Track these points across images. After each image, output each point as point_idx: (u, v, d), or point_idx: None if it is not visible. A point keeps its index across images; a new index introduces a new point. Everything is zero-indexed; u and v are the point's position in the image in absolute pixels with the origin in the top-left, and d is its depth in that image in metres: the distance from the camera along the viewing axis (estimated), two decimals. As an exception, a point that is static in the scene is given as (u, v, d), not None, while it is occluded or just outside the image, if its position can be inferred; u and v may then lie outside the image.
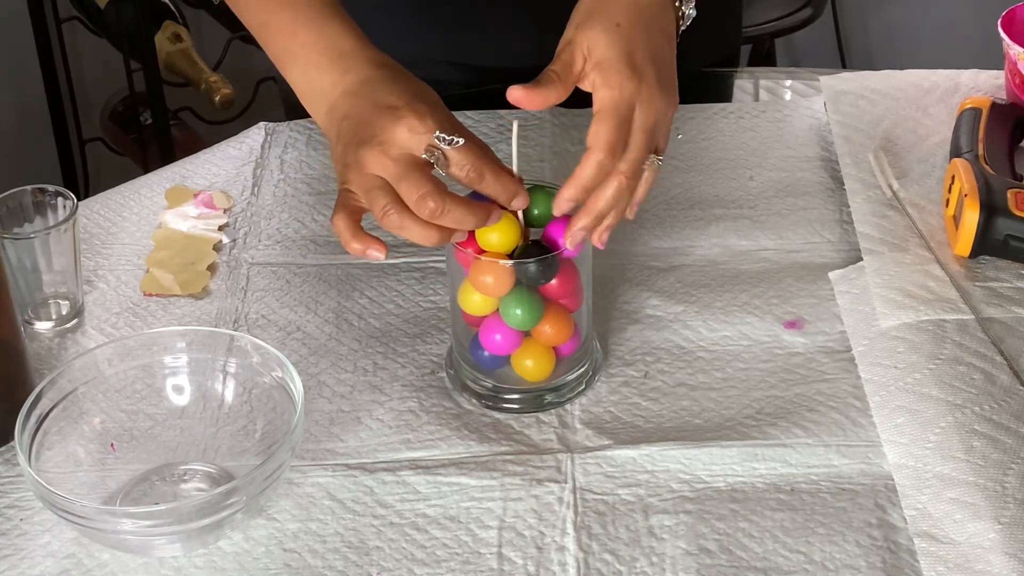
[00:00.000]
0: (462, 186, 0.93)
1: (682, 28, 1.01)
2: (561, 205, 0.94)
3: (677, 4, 1.00)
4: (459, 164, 0.92)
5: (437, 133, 0.92)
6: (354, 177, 0.93)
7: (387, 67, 0.98)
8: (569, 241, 0.94)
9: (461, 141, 0.92)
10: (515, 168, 0.94)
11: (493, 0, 1.29)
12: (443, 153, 0.92)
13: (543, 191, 0.96)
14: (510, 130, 0.95)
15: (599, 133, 0.93)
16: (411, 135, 0.92)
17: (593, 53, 0.94)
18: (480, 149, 0.93)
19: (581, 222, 0.94)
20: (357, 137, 0.94)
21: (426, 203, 0.90)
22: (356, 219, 0.94)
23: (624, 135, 0.93)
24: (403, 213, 0.91)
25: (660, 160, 0.97)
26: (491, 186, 0.93)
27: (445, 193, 0.91)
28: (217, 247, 1.15)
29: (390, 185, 0.92)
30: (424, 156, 0.92)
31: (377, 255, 0.93)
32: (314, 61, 0.99)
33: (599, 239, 0.96)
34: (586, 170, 0.93)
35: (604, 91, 0.94)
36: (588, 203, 0.94)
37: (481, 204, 0.93)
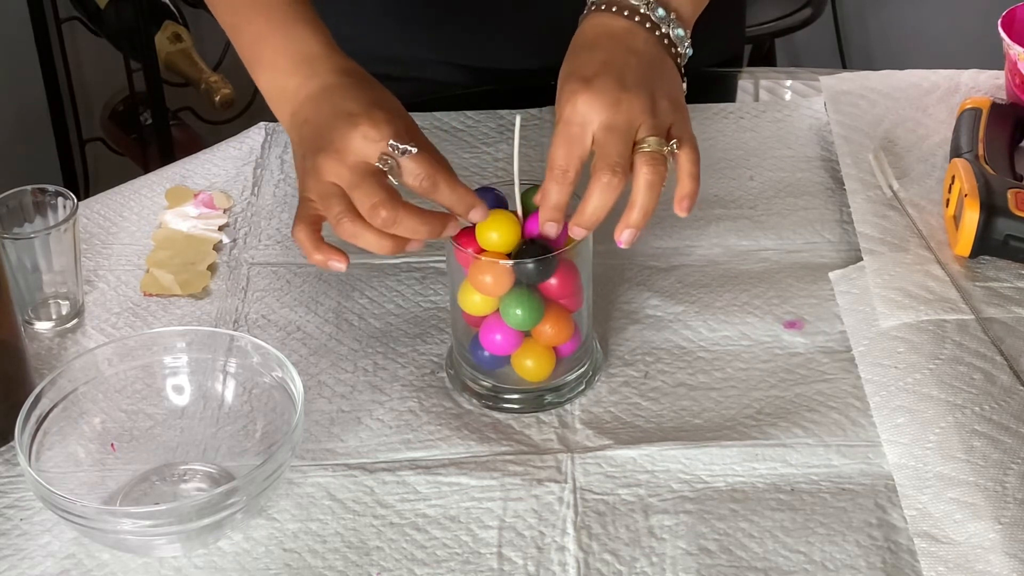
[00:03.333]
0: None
1: (683, 52, 1.00)
2: (576, 232, 0.94)
3: (666, 38, 0.99)
4: (412, 173, 0.92)
5: (391, 141, 0.91)
6: (312, 184, 0.93)
7: (351, 74, 0.97)
8: (626, 240, 0.94)
9: (414, 150, 0.91)
10: (516, 165, 0.94)
11: (491, 1, 1.29)
12: (397, 162, 0.91)
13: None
14: (510, 130, 0.95)
15: (550, 155, 0.93)
16: (365, 142, 0.92)
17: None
18: (434, 159, 0.93)
19: (634, 218, 0.94)
20: (316, 144, 0.93)
21: (378, 212, 0.90)
22: (316, 229, 0.93)
23: (578, 148, 0.93)
24: (356, 221, 0.91)
25: (672, 145, 0.94)
26: (446, 196, 0.92)
27: (398, 202, 0.90)
28: (217, 247, 1.15)
29: (345, 193, 0.91)
30: (378, 164, 0.92)
31: (339, 266, 0.93)
32: (280, 65, 0.99)
33: (623, 239, 0.95)
34: (549, 192, 0.93)
35: (558, 112, 0.93)
36: (581, 205, 0.93)
37: (436, 214, 0.92)
